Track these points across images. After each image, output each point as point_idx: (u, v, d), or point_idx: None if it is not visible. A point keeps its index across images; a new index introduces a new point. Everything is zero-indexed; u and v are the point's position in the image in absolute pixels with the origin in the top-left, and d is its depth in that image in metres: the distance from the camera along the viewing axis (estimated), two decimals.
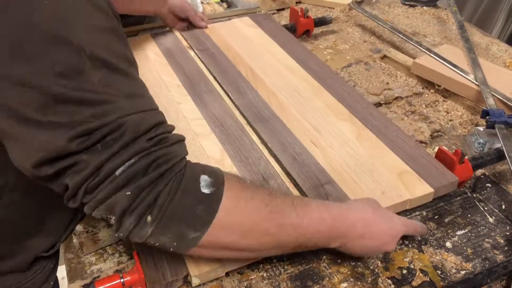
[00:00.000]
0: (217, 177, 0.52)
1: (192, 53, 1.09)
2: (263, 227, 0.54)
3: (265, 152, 0.80)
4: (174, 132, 0.54)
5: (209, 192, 0.51)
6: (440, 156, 0.78)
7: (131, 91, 0.50)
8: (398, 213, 0.73)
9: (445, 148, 0.78)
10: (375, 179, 0.74)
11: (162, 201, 0.48)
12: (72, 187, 0.47)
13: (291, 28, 1.25)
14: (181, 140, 0.54)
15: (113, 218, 0.48)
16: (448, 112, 1.00)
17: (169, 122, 0.84)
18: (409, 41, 1.17)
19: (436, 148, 0.82)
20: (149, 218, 0.48)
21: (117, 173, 0.47)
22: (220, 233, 0.52)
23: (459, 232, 0.72)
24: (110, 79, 0.48)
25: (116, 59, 0.49)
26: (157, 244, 0.52)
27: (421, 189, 0.72)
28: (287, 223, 0.55)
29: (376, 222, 0.62)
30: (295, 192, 0.72)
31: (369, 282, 0.64)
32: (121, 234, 0.49)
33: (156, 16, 1.18)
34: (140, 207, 0.48)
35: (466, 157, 0.76)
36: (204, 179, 0.51)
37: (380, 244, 0.63)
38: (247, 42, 1.13)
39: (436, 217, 0.74)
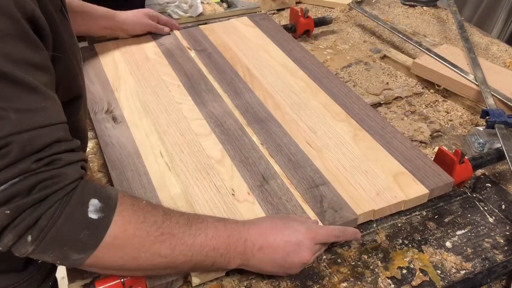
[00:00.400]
0: (108, 202, 0.51)
1: (192, 54, 1.09)
2: (153, 249, 0.53)
3: (265, 152, 0.80)
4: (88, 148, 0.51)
5: (96, 218, 0.50)
6: (440, 156, 0.78)
7: (26, 105, 0.47)
8: (393, 214, 0.73)
9: (445, 148, 0.78)
10: (370, 180, 0.74)
11: (44, 224, 0.47)
12: None
13: (291, 28, 1.25)
14: (75, 161, 0.51)
15: None
16: (448, 112, 1.00)
17: (169, 123, 0.86)
18: (409, 41, 1.17)
19: (436, 148, 0.82)
20: (29, 238, 0.47)
21: None
22: (105, 257, 0.51)
23: (459, 232, 0.72)
24: (2, 91, 0.45)
25: (13, 68, 0.46)
26: (40, 260, 0.51)
27: (416, 190, 0.72)
28: (180, 243, 0.54)
29: (273, 232, 0.61)
30: (294, 192, 0.72)
31: (369, 281, 0.64)
32: (0, 249, 0.49)
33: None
34: (20, 227, 0.47)
35: (466, 157, 0.76)
36: (93, 203, 0.50)
37: (284, 255, 0.60)
38: (245, 42, 1.14)
39: (436, 217, 0.74)
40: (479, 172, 0.84)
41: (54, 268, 0.76)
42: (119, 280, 0.59)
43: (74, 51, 0.64)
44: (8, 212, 0.46)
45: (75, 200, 0.49)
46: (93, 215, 0.50)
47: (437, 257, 0.68)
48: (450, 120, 0.98)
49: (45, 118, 0.49)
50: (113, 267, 0.54)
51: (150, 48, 1.11)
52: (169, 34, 1.17)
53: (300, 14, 1.23)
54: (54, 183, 0.48)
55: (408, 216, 0.74)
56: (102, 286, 0.59)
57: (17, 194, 0.46)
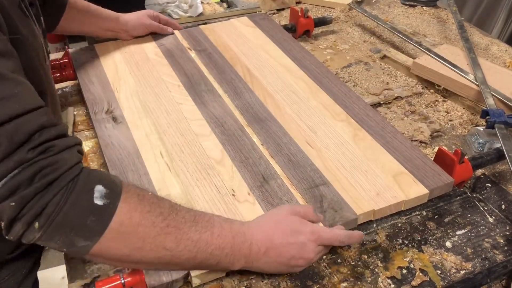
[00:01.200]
0: (114, 189, 0.51)
1: (192, 54, 1.09)
2: (158, 241, 0.53)
3: (266, 152, 0.80)
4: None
5: (102, 204, 0.50)
6: (440, 156, 0.78)
7: None
8: (393, 214, 0.73)
9: (445, 148, 0.78)
10: (370, 180, 0.74)
11: (51, 211, 0.47)
12: None
13: (291, 28, 1.25)
14: (71, 145, 0.51)
15: (2, 223, 0.48)
16: (448, 112, 1.00)
17: (169, 123, 0.86)
18: (409, 41, 1.17)
19: (436, 148, 0.82)
20: (36, 224, 0.48)
21: None
22: (111, 245, 0.51)
23: (459, 232, 0.72)
24: None
25: None
26: (47, 247, 0.51)
27: (416, 190, 0.72)
28: (185, 238, 0.54)
29: (278, 234, 0.61)
30: (295, 193, 0.72)
31: (369, 282, 0.64)
32: (11, 238, 0.49)
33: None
34: (27, 216, 0.47)
35: (466, 157, 0.76)
36: (99, 189, 0.50)
37: (289, 258, 0.61)
38: (245, 42, 1.14)
39: (436, 217, 0.74)
40: (479, 172, 0.84)
41: (32, 272, 0.75)
42: (119, 281, 0.59)
43: (36, 48, 0.64)
44: (13, 204, 0.46)
45: (80, 186, 0.49)
46: (98, 201, 0.50)
47: (437, 257, 0.68)
48: (450, 120, 0.98)
49: (19, 105, 0.48)
50: (118, 257, 0.53)
51: (150, 48, 1.11)
52: (172, 33, 1.17)
53: (300, 14, 1.23)
54: (53, 170, 0.48)
55: (408, 216, 0.74)
56: (103, 287, 0.59)
57: (18, 186, 0.46)
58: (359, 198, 0.71)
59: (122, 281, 0.59)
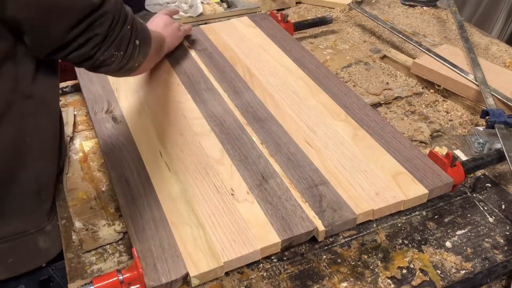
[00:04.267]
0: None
1: (192, 53, 1.09)
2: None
3: (265, 151, 0.80)
4: None
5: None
6: (432, 159, 0.77)
7: None
8: (393, 214, 0.74)
9: (436, 151, 0.77)
10: (370, 180, 0.74)
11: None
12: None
13: None
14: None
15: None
16: (448, 112, 1.00)
17: (169, 122, 0.86)
18: (409, 41, 1.17)
19: (436, 148, 0.82)
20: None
21: None
22: None
23: (459, 232, 0.72)
24: None
25: None
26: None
27: (416, 190, 0.72)
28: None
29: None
30: (294, 192, 0.72)
31: (369, 281, 0.64)
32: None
33: None
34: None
35: (458, 161, 0.75)
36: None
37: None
38: (245, 42, 1.13)
39: (436, 217, 0.74)
40: (479, 172, 0.84)
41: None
42: (116, 278, 0.59)
43: None
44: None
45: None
46: None
47: (437, 257, 0.68)
48: (450, 120, 0.98)
49: None
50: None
51: None
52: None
53: (280, 18, 1.22)
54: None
55: (408, 216, 0.74)
56: (100, 284, 0.59)
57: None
58: (358, 197, 0.71)
59: (120, 277, 0.59)
